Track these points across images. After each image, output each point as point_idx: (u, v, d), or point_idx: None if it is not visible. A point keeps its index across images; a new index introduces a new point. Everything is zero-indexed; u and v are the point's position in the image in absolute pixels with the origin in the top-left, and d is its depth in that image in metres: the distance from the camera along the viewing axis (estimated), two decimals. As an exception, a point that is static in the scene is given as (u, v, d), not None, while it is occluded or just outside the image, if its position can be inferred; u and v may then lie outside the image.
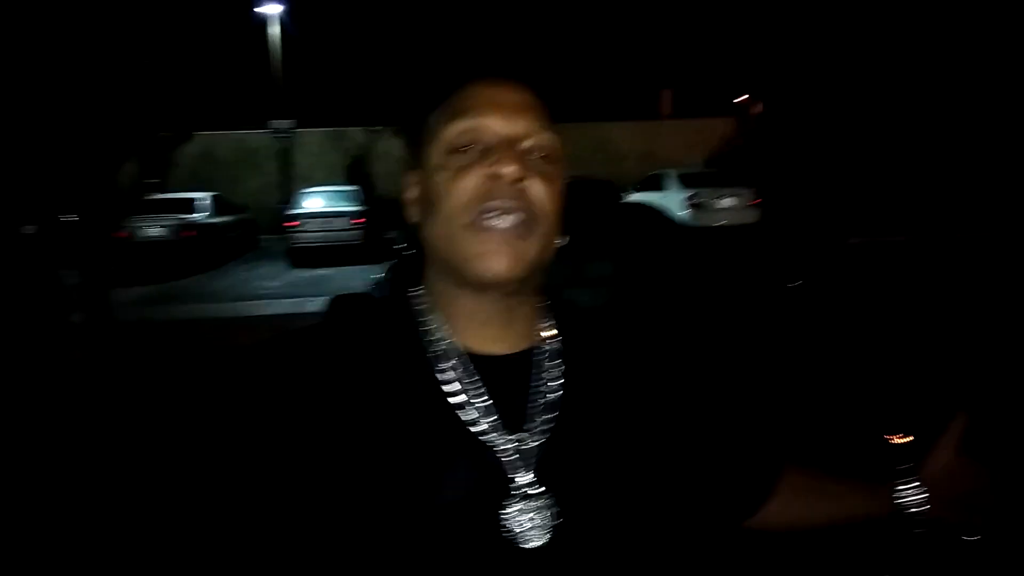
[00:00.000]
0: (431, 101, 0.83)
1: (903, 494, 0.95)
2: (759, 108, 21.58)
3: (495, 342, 0.81)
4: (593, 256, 3.75)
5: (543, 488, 0.75)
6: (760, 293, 3.65)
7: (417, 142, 0.84)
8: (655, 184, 14.96)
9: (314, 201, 14.62)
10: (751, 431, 0.95)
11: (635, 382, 0.86)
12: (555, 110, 0.83)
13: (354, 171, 19.82)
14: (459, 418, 0.76)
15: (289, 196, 16.44)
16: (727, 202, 13.97)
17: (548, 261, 0.80)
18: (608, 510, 0.78)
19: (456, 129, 0.78)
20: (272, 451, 0.76)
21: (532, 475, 0.75)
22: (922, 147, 19.20)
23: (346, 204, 14.49)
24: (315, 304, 9.57)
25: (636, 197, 14.68)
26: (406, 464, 0.74)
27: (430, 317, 0.82)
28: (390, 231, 16.08)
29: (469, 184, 0.76)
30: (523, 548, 0.73)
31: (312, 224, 13.95)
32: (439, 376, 0.78)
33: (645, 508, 0.81)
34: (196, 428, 0.83)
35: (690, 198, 13.79)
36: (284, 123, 19.37)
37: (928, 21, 17.49)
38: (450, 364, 0.78)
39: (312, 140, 20.65)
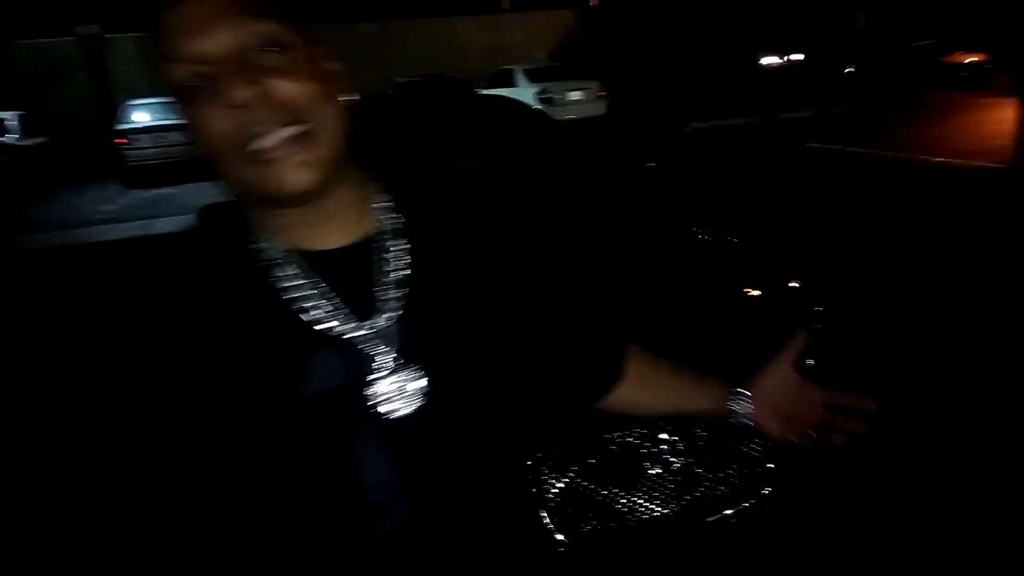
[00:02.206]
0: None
1: (734, 398, 0.99)
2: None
3: (321, 238, 0.79)
4: (460, 153, 3.80)
5: (406, 360, 0.77)
6: (619, 175, 3.86)
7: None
8: (505, 80, 14.93)
9: (144, 114, 13.38)
10: (599, 313, 0.97)
11: (484, 254, 0.86)
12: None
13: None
14: (299, 318, 0.76)
15: (110, 110, 14.95)
16: (575, 95, 14.24)
17: (344, 138, 0.77)
18: (466, 374, 0.80)
19: (172, 73, 0.71)
20: (139, 351, 0.77)
21: (393, 351, 0.77)
22: (751, 35, 20.27)
23: (179, 116, 13.34)
24: (164, 225, 9.05)
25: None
26: (265, 369, 0.74)
27: (256, 227, 0.80)
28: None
29: (217, 126, 0.70)
30: (392, 419, 0.75)
31: (145, 140, 12.84)
32: (278, 282, 0.77)
33: (500, 372, 0.83)
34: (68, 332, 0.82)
35: (539, 93, 13.92)
36: (90, 28, 17.30)
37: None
38: (285, 271, 0.77)
39: (127, 47, 18.66)
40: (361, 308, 0.77)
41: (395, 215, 0.83)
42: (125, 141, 12.81)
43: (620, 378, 1.00)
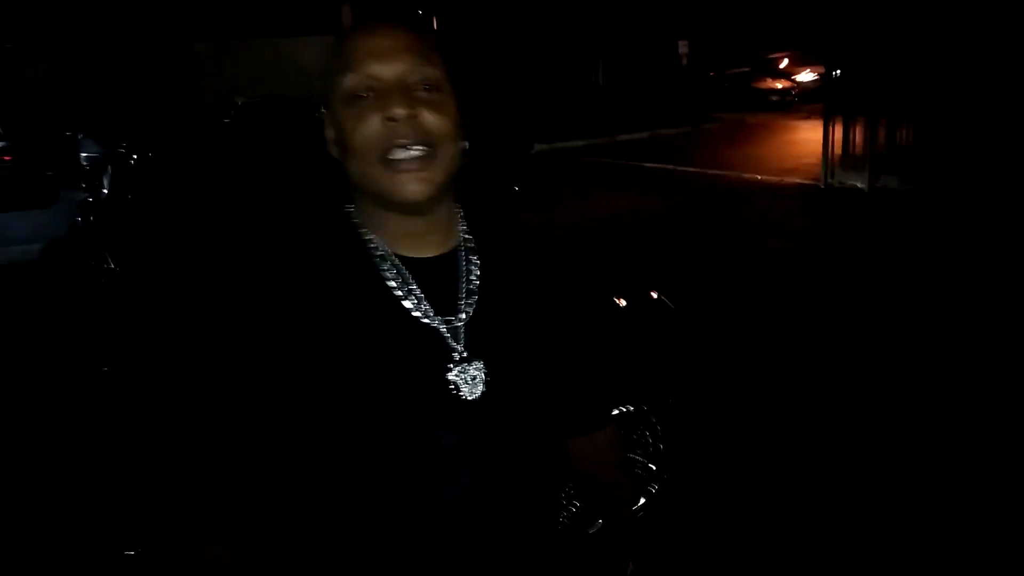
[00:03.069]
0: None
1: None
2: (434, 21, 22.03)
3: (421, 248, 0.96)
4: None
5: (474, 355, 0.94)
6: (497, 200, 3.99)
7: (323, 87, 0.96)
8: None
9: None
10: (606, 365, 1.17)
11: (534, 275, 1.04)
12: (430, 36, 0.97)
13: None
14: (403, 307, 0.92)
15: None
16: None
17: (455, 174, 0.95)
18: (522, 369, 0.98)
19: (349, 80, 0.90)
20: (253, 341, 0.90)
21: (464, 346, 0.94)
22: (589, 57, 21.32)
23: (-16, 139, 12.10)
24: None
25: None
26: (364, 346, 0.90)
27: (364, 230, 0.96)
28: (48, 169, 13.86)
29: (370, 129, 0.89)
30: (464, 400, 0.92)
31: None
32: (383, 272, 0.94)
33: (545, 376, 1.01)
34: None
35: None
36: None
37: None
38: (387, 267, 0.94)
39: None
40: (443, 309, 0.94)
41: (469, 235, 1.01)
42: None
43: (603, 426, 1.16)
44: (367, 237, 0.96)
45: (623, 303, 3.10)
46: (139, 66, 17.22)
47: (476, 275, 0.98)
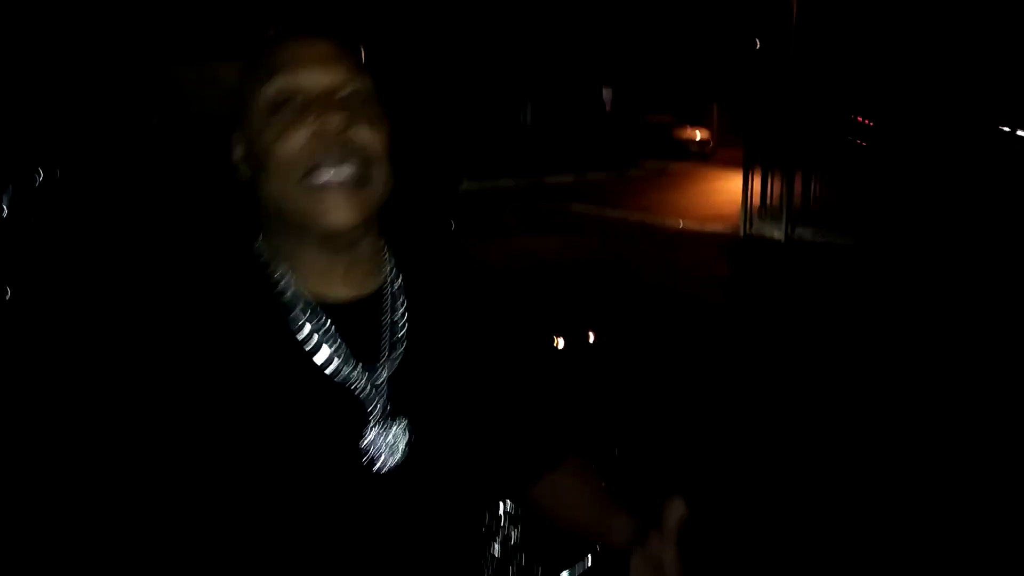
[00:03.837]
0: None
1: (632, 547, 0.98)
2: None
3: (341, 287, 0.84)
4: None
5: (396, 414, 0.82)
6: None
7: (237, 102, 0.85)
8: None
9: None
10: (554, 405, 1.05)
11: (469, 320, 0.93)
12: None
13: None
14: (312, 362, 0.80)
15: None
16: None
17: (386, 194, 0.84)
18: (450, 430, 0.85)
19: (273, 87, 0.79)
20: (147, 411, 0.77)
21: (386, 403, 0.82)
22: (516, 97, 21.63)
23: None
24: None
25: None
26: (269, 408, 0.78)
27: (274, 268, 0.83)
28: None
29: (296, 142, 0.77)
30: (381, 470, 0.80)
31: None
32: (291, 325, 0.81)
33: (478, 432, 0.89)
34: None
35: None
36: None
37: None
38: (298, 312, 0.81)
39: None
40: (365, 359, 0.82)
41: (395, 273, 0.89)
42: None
43: (553, 467, 1.04)
44: (276, 275, 0.83)
45: (561, 343, 3.06)
46: (56, 79, 16.40)
47: (403, 320, 0.86)
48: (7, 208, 3.90)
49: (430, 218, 4.47)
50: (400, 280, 0.89)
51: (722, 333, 5.88)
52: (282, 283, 0.82)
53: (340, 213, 0.78)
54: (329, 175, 0.77)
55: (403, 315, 0.86)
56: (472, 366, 0.90)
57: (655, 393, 4.34)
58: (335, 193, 0.77)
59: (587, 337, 3.20)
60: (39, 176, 3.53)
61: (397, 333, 0.85)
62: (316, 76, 0.79)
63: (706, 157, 20.11)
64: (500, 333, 0.96)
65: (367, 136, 0.79)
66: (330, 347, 0.81)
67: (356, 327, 0.83)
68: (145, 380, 0.77)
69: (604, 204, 12.29)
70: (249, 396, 0.77)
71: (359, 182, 0.78)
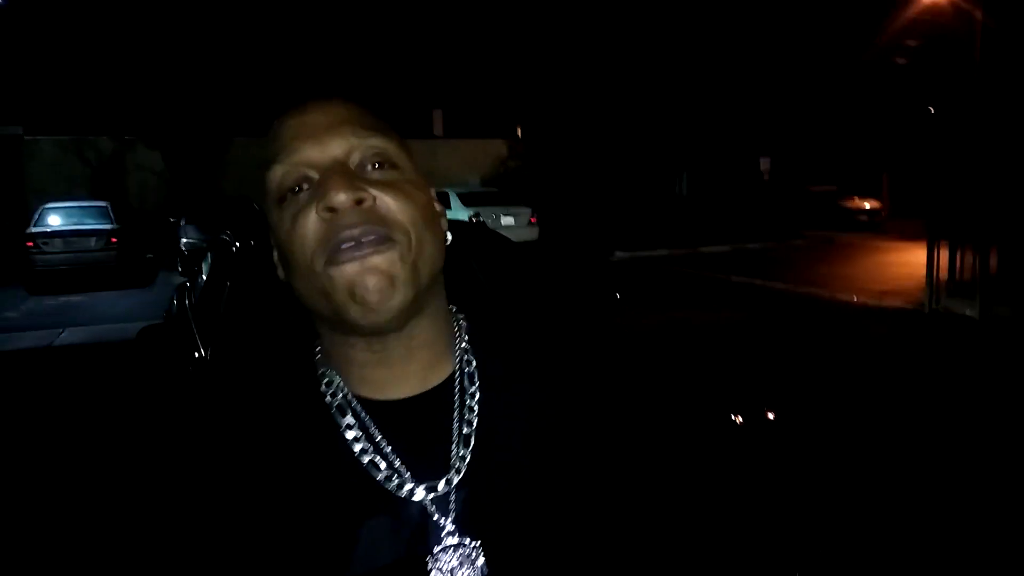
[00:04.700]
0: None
1: None
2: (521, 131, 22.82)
3: (396, 385, 0.73)
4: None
5: (468, 536, 0.69)
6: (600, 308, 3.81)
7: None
8: (441, 202, 15.12)
9: (58, 218, 12.82)
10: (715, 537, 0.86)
11: (564, 415, 0.77)
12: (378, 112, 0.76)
13: (102, 184, 17.69)
14: (366, 474, 0.69)
15: (23, 212, 14.27)
16: (507, 220, 14.54)
17: (435, 275, 0.72)
18: (526, 555, 0.70)
19: (277, 175, 0.70)
20: (196, 529, 0.70)
21: (454, 521, 0.69)
22: (672, 168, 21.51)
23: (95, 221, 12.89)
24: (70, 336, 8.42)
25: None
26: (324, 531, 0.68)
27: (324, 369, 0.75)
28: (149, 252, 14.63)
29: (308, 228, 0.67)
30: None
31: (56, 244, 12.23)
32: (343, 431, 0.71)
33: (577, 557, 0.73)
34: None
35: (473, 216, 14.16)
36: (9, 129, 16.76)
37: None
38: (350, 419, 0.71)
39: (46, 149, 18.08)
40: (429, 466, 0.70)
41: (469, 361, 0.76)
42: (32, 245, 12.14)
43: None
44: (326, 380, 0.74)
45: (739, 420, 2.83)
46: (239, 157, 18.24)
47: (474, 415, 0.73)
48: (207, 273, 4.24)
49: (591, 289, 4.40)
50: (475, 370, 0.75)
51: (915, 416, 5.28)
52: (331, 389, 0.73)
53: (367, 281, 0.65)
54: (349, 246, 0.65)
55: (473, 411, 0.73)
56: (559, 476, 0.73)
57: (843, 486, 3.91)
58: (357, 268, 0.65)
59: (765, 415, 2.96)
60: (236, 246, 3.80)
61: (464, 432, 0.72)
62: (320, 149, 0.69)
63: (877, 227, 18.86)
64: (643, 425, 0.81)
65: (389, 204, 0.68)
66: (382, 457, 0.70)
67: (416, 429, 0.71)
68: (194, 498, 0.70)
69: (766, 275, 11.71)
70: (297, 518, 0.68)
71: (383, 247, 0.66)
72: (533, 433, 0.74)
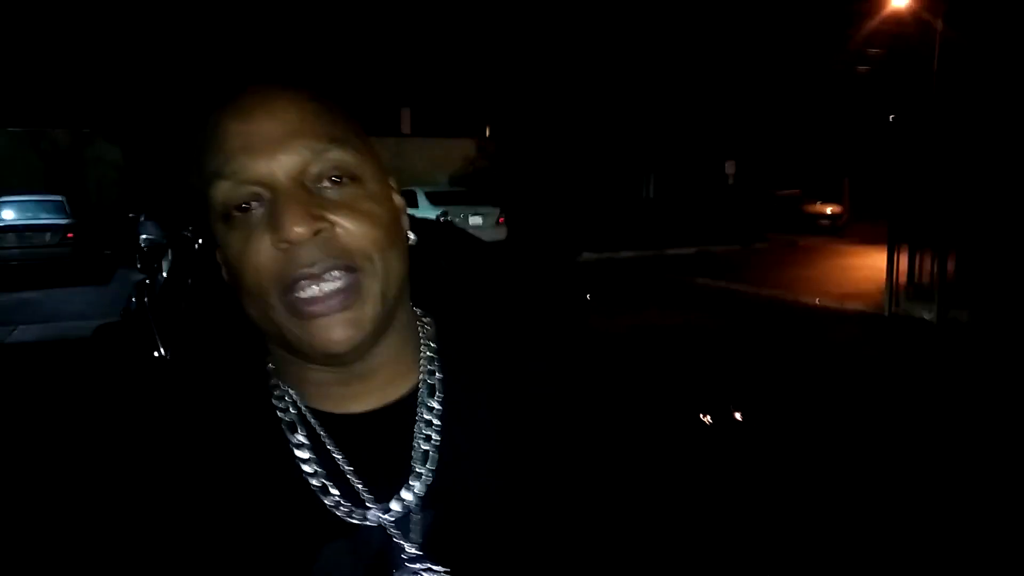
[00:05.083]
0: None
1: None
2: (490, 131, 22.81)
3: (359, 399, 0.68)
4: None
5: (432, 562, 0.64)
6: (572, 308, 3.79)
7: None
8: (408, 201, 15.05)
9: (11, 212, 12.45)
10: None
11: (536, 424, 0.72)
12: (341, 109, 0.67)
13: (58, 178, 17.22)
14: (316, 496, 0.64)
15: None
16: (476, 220, 14.49)
17: (401, 289, 0.67)
18: (512, 570, 0.66)
19: (222, 191, 0.61)
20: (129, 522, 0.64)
21: (416, 541, 0.64)
22: (638, 171, 21.67)
23: (51, 216, 12.54)
24: (23, 334, 8.16)
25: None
26: (277, 557, 0.63)
27: (276, 380, 0.69)
28: (107, 248, 14.27)
29: (260, 259, 0.61)
30: None
31: (9, 239, 11.90)
32: (294, 450, 0.66)
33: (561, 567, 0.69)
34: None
35: (441, 215, 14.07)
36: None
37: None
38: (300, 436, 0.66)
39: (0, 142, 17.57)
40: (388, 484, 0.65)
41: (433, 369, 0.71)
42: (-15, 239, 11.81)
43: None
44: (276, 393, 0.68)
45: (708, 420, 2.83)
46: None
47: (436, 428, 0.68)
48: (167, 270, 4.12)
49: (562, 290, 4.37)
50: (438, 379, 0.70)
51: (873, 416, 5.37)
52: (283, 397, 0.68)
53: (334, 335, 0.61)
54: (310, 293, 0.61)
55: (433, 423, 0.68)
56: (528, 490, 0.68)
57: (808, 484, 3.95)
58: (324, 313, 0.61)
59: (733, 415, 2.97)
60: (199, 243, 3.70)
61: (425, 447, 0.67)
62: (271, 163, 0.60)
63: (838, 232, 19.20)
64: (619, 433, 0.76)
65: (351, 232, 0.62)
66: (335, 478, 0.65)
67: (374, 445, 0.66)
68: (136, 513, 0.64)
69: (731, 277, 11.84)
70: (249, 542, 0.63)
71: (350, 293, 0.61)
72: (501, 447, 0.69)
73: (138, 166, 18.12)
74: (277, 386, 0.69)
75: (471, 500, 0.66)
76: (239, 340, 0.74)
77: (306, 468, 0.65)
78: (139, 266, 8.27)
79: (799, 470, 4.30)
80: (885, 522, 3.86)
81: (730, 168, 21.73)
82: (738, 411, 3.02)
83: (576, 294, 4.19)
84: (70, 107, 17.56)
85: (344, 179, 0.63)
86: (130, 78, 17.17)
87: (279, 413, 0.67)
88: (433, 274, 0.75)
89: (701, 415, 2.83)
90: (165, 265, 4.24)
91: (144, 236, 13.01)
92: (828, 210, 20.17)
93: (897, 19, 12.40)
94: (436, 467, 0.66)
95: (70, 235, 12.39)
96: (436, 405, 0.69)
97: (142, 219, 13.69)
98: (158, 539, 0.63)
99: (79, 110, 17.53)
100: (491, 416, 0.70)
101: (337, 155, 0.63)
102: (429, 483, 0.66)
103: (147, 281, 4.73)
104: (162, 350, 3.13)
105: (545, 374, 0.75)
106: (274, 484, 0.65)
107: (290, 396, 0.68)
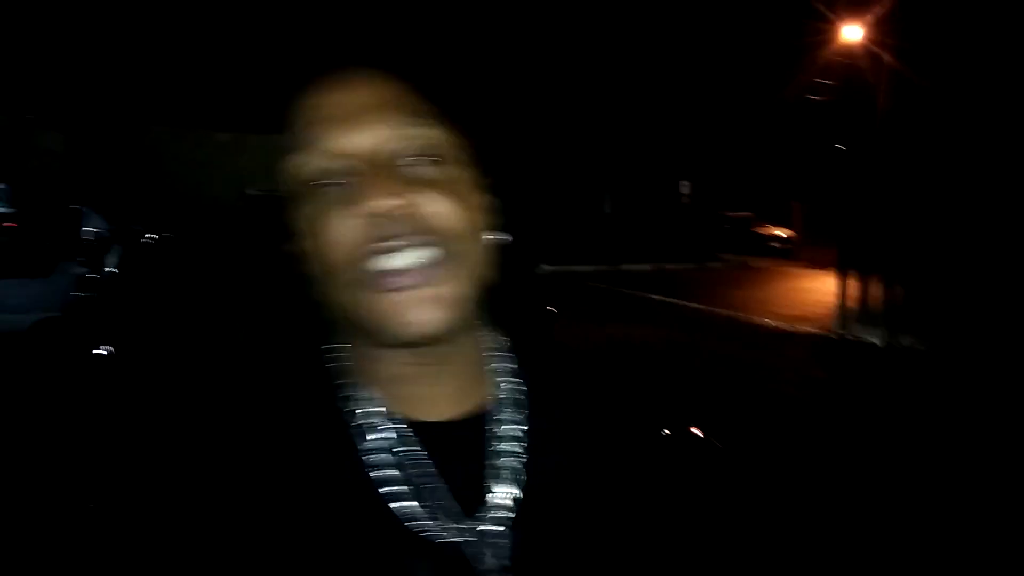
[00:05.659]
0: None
1: None
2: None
3: (438, 402, 0.65)
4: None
5: (516, 572, 0.61)
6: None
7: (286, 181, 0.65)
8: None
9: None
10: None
11: (620, 439, 0.72)
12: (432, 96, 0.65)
13: (-4, 165, 16.52)
14: (389, 508, 0.61)
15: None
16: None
17: (481, 279, 0.64)
18: None
19: (303, 164, 0.61)
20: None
21: (498, 560, 0.61)
22: (597, 187, 21.84)
23: (-12, 204, 11.99)
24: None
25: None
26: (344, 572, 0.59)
27: (350, 379, 0.65)
28: (48, 240, 13.70)
29: (345, 233, 0.59)
30: None
31: (-58, 226, 11.31)
32: (368, 457, 0.62)
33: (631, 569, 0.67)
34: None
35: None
36: None
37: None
38: (378, 438, 0.62)
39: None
40: (467, 499, 0.62)
41: (517, 382, 0.68)
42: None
43: None
44: (350, 392, 0.65)
45: (668, 434, 2.82)
46: (156, 147, 17.43)
47: (520, 444, 0.65)
48: (116, 265, 3.94)
49: (529, 303, 4.32)
50: (522, 393, 0.68)
51: (822, 436, 5.45)
52: (359, 403, 0.64)
53: (415, 313, 0.58)
54: (393, 262, 0.58)
55: (518, 436, 0.65)
56: (624, 507, 0.67)
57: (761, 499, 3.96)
58: (404, 288, 0.58)
59: (691, 431, 2.96)
60: (153, 238, 3.55)
61: (510, 461, 0.64)
62: (360, 137, 0.60)
63: (788, 254, 19.68)
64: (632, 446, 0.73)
65: (440, 208, 0.60)
66: (415, 486, 0.61)
67: (452, 457, 0.63)
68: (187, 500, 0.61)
69: (686, 295, 11.99)
70: (311, 546, 0.59)
71: (434, 268, 0.59)
72: (577, 467, 0.67)
73: (84, 157, 17.50)
74: (351, 385, 0.65)
75: (560, 522, 0.64)
76: (309, 335, 0.70)
77: (377, 475, 0.61)
78: (80, 259, 7.93)
79: (760, 482, 4.32)
80: (830, 535, 3.89)
81: (685, 188, 22.11)
82: (695, 427, 3.01)
83: (539, 306, 4.14)
84: (11, 91, 16.90)
85: (432, 158, 0.61)
86: (78, 63, 16.61)
87: (351, 415, 0.64)
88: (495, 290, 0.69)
89: (663, 430, 2.81)
90: (110, 260, 4.06)
91: (87, 228, 12.56)
92: (779, 233, 20.67)
93: (850, 51, 12.77)
94: (528, 479, 0.63)
95: (9, 224, 11.86)
96: (521, 420, 0.66)
97: (86, 211, 13.20)
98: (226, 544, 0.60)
99: (22, 95, 16.88)
100: (566, 435, 0.67)
101: (428, 133, 0.61)
102: (517, 501, 0.62)
103: (90, 275, 4.53)
104: (107, 346, 2.99)
105: (590, 391, 0.73)
106: (340, 490, 0.61)
107: (366, 396, 0.64)
